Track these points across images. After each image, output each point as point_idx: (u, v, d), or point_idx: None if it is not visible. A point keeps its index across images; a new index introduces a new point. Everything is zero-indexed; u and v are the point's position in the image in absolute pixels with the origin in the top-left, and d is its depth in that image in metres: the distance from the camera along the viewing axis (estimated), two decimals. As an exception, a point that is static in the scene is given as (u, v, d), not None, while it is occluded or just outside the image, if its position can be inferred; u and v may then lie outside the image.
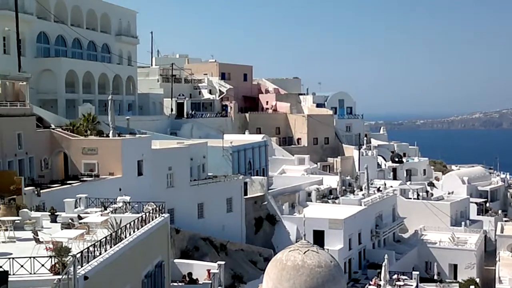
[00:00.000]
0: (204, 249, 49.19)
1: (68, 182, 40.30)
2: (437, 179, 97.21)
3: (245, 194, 58.68)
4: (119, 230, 22.78)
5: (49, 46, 72.80)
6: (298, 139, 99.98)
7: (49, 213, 27.89)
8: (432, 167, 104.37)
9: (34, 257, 17.67)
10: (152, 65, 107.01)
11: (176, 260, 36.18)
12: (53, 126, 48.77)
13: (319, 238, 56.61)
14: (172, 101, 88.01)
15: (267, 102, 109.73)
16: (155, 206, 28.02)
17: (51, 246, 19.97)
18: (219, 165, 59.78)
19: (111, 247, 21.36)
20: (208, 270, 34.35)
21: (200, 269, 34.89)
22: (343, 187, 72.59)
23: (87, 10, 79.18)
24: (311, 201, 67.10)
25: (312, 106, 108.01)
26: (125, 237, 23.00)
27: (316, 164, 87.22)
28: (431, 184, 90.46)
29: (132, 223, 24.06)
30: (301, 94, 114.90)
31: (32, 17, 68.36)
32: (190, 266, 35.49)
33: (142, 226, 25.08)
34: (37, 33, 70.67)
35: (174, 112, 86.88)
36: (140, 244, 24.07)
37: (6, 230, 24.03)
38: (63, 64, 70.38)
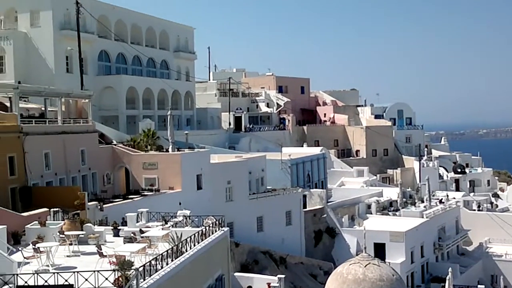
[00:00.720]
0: (264, 262, 49.10)
1: (129, 196, 40.97)
2: (502, 190, 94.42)
3: (304, 207, 58.40)
4: (180, 244, 22.99)
5: (110, 64, 74.64)
6: (357, 151, 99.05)
7: (112, 227, 28.40)
8: (497, 178, 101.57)
9: (98, 271, 17.98)
10: (209, 79, 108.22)
11: (236, 274, 36.28)
12: (114, 142, 49.73)
13: (380, 251, 55.73)
14: (230, 115, 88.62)
15: (324, 114, 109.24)
16: (214, 220, 28.17)
17: (114, 260, 20.32)
18: (277, 178, 59.70)
19: (172, 260, 21.56)
20: (268, 284, 34.31)
21: (260, 282, 34.87)
22: (404, 199, 71.36)
23: (146, 28, 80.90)
24: (371, 213, 66.20)
25: (370, 117, 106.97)
26: (186, 250, 23.20)
27: (376, 176, 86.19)
28: (496, 195, 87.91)
29: (192, 237, 24.24)
30: (359, 106, 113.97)
31: (93, 36, 70.25)
32: (250, 279, 35.52)
33: (202, 240, 25.25)
34: (99, 52, 72.57)
35: (232, 126, 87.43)
36: (201, 257, 24.22)
37: (71, 244, 24.59)
38: (124, 81, 71.94)
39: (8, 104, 39.35)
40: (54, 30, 65.78)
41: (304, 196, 59.08)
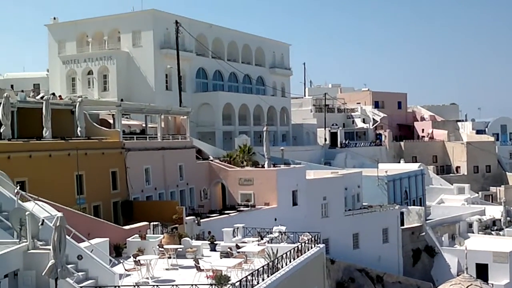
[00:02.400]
0: (360, 280, 48.24)
1: (226, 212, 41.43)
2: None
3: (402, 224, 57.01)
4: (276, 260, 22.94)
5: (207, 81, 76.29)
6: (457, 168, 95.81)
7: (209, 242, 28.76)
8: None
9: (196, 285, 18.20)
10: (305, 95, 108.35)
11: (332, 291, 35.76)
12: (211, 158, 50.58)
13: (482, 272, 53.38)
14: (326, 130, 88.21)
15: (422, 129, 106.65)
16: (310, 236, 27.95)
17: (211, 274, 20.54)
18: (374, 195, 58.68)
19: (268, 276, 21.53)
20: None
21: (357, 301, 34.19)
22: (508, 218, 68.18)
23: (242, 45, 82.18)
24: (473, 232, 63.66)
25: (471, 133, 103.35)
26: (282, 267, 23.10)
27: (477, 193, 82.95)
28: None
29: (288, 253, 24.13)
30: (459, 121, 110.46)
31: (191, 54, 72.11)
32: (346, 297, 34.89)
33: (298, 256, 25.08)
34: (196, 69, 74.38)
35: (327, 141, 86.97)
36: (297, 274, 24.05)
37: (170, 257, 25.09)
38: (220, 98, 73.23)
39: (111, 121, 40.90)
40: (155, 49, 68.09)
41: (402, 213, 57.70)
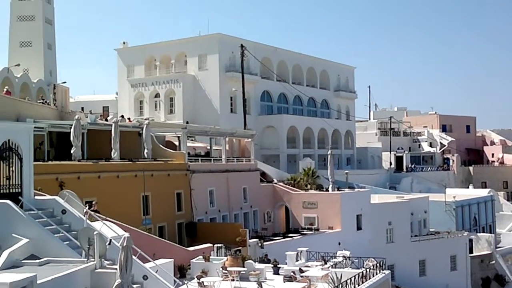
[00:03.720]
0: (427, 308, 46.94)
1: (289, 235, 41.20)
2: None
3: (471, 252, 55.32)
4: (340, 285, 22.60)
5: (272, 104, 76.63)
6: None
7: (272, 265, 28.62)
8: None
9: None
10: (370, 118, 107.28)
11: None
12: (275, 181, 50.52)
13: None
14: (391, 154, 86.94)
15: (492, 154, 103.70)
16: (375, 262, 27.45)
17: (274, 298, 20.38)
18: (441, 221, 57.25)
19: (332, 302, 21.21)
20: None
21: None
22: None
23: (307, 68, 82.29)
24: (546, 262, 61.15)
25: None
26: (346, 292, 22.75)
27: (551, 221, 79.68)
28: None
29: (352, 279, 23.75)
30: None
31: (256, 77, 72.66)
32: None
33: (362, 282, 24.65)
34: (261, 92, 74.85)
35: (393, 165, 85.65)
36: (361, 300, 23.62)
37: (233, 280, 25.08)
38: (285, 121, 73.36)
39: (177, 143, 41.51)
40: (220, 72, 68.99)
41: (470, 241, 56.04)
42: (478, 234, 59.28)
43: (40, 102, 42.11)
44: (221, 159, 43.08)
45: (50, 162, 28.99)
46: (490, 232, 63.39)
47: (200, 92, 69.69)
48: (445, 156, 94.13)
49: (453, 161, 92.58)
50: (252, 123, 66.17)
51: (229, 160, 43.51)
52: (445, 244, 51.87)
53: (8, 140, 18.91)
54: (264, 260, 29.12)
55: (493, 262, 56.48)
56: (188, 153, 39.78)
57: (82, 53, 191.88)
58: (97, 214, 21.15)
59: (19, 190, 19.22)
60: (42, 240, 18.04)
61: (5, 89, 39.35)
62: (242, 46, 63.52)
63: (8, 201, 18.17)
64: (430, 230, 53.97)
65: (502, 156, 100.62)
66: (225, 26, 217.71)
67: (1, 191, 18.62)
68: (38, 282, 14.69)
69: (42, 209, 19.22)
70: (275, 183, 48.76)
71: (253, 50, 68.19)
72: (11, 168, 19.04)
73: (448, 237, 52.60)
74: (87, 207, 19.90)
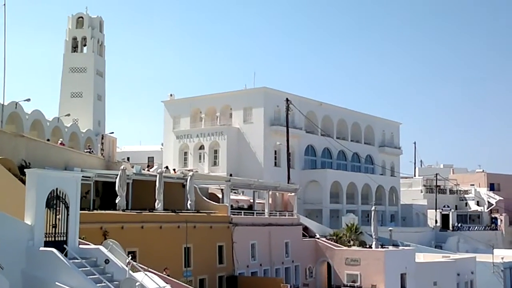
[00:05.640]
0: None
1: (331, 292, 40.48)
2: None
3: (520, 316, 53.29)
4: None
5: (315, 158, 76.53)
6: None
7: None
8: None
9: None
10: (415, 175, 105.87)
11: None
12: (317, 236, 50.00)
13: None
14: (437, 212, 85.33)
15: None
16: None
17: None
18: (489, 282, 55.44)
19: None
20: None
21: None
22: None
23: (352, 123, 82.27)
24: None
25: None
26: None
27: None
28: None
29: None
30: None
31: (301, 131, 72.90)
32: None
33: None
34: (305, 146, 74.96)
35: (438, 224, 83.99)
36: None
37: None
38: (329, 176, 73.05)
39: (220, 195, 41.60)
40: (265, 126, 69.50)
41: (520, 304, 54.03)
42: (528, 297, 57.17)
43: (87, 151, 43.00)
44: (263, 213, 42.93)
45: (95, 211, 29.33)
46: (541, 296, 61.05)
47: (244, 145, 70.14)
48: (492, 216, 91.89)
49: (501, 220, 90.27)
50: (295, 177, 66.03)
51: (271, 214, 43.32)
52: (493, 307, 50.17)
53: (56, 189, 19.25)
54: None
55: (544, 328, 54.20)
56: (231, 206, 39.77)
57: (130, 105, 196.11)
58: (139, 265, 21.16)
59: (65, 238, 19.43)
60: (84, 289, 18.10)
61: (59, 141, 40.44)
62: (287, 100, 63.97)
63: (53, 249, 18.36)
64: (478, 292, 52.33)
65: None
66: (271, 80, 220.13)
67: (47, 239, 18.86)
68: (79, 332, 14.67)
69: (85, 258, 19.35)
70: (318, 238, 48.24)
71: (298, 104, 68.61)
72: (57, 216, 19.32)
73: (496, 300, 50.87)
74: (130, 257, 19.95)
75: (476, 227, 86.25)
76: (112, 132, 53.49)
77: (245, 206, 46.59)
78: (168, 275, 26.94)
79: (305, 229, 49.90)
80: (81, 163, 35.72)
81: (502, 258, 58.98)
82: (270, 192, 44.73)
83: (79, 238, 20.51)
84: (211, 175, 55.92)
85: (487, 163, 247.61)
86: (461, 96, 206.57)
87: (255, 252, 39.32)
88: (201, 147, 72.48)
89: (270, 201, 44.53)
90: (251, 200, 46.81)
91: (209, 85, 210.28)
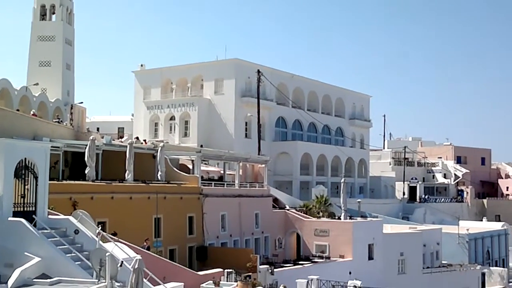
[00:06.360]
0: None
1: (300, 262, 40.97)
2: None
3: (483, 285, 54.69)
4: (350, 315, 22.40)
5: (286, 130, 76.76)
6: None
7: (282, 293, 28.40)
8: None
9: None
10: (384, 148, 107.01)
11: None
12: (287, 207, 50.40)
13: None
14: (404, 184, 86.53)
15: (507, 187, 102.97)
16: (386, 293, 27.20)
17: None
18: (454, 253, 56.74)
19: (341, 332, 21.01)
20: None
21: None
22: None
23: (322, 96, 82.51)
24: (560, 298, 60.27)
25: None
26: (356, 323, 22.52)
27: None
28: None
29: (363, 309, 23.54)
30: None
31: (272, 103, 72.92)
32: None
33: (373, 313, 24.41)
34: (276, 118, 75.04)
35: (406, 196, 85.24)
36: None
37: (242, 306, 24.92)
38: (299, 147, 73.39)
39: (190, 167, 41.59)
40: (236, 97, 69.33)
41: (483, 274, 55.39)
42: (491, 268, 58.64)
43: (56, 121, 42.48)
44: (234, 184, 43.09)
45: (64, 182, 29.14)
46: (503, 266, 62.67)
47: (215, 116, 69.98)
48: (459, 188, 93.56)
49: (467, 193, 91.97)
50: (266, 148, 66.21)
51: (242, 185, 43.51)
52: (457, 277, 51.36)
53: (25, 159, 19.06)
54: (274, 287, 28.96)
55: (506, 297, 55.76)
56: (202, 177, 39.83)
57: (100, 74, 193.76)
58: (109, 235, 21.15)
59: (33, 208, 19.30)
60: (54, 260, 18.07)
61: (31, 112, 39.87)
62: (258, 71, 63.80)
63: (22, 220, 18.26)
64: (443, 262, 53.50)
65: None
66: (242, 52, 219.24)
67: (16, 209, 18.72)
68: (49, 301, 14.69)
69: (55, 228, 19.28)
70: (287, 210, 48.65)
71: (270, 76, 68.52)
72: (26, 187, 19.17)
73: (461, 270, 52.09)
74: (100, 227, 19.92)
75: (443, 199, 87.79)
76: (82, 102, 52.87)
77: (216, 177, 46.69)
78: (149, 247, 27.08)
79: (275, 200, 50.25)
80: (50, 133, 35.35)
81: (467, 230, 60.31)
82: (241, 164, 44.86)
83: (48, 208, 20.41)
84: (181, 146, 55.84)
85: (454, 136, 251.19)
86: (430, 71, 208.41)
87: (225, 223, 39.56)
88: (172, 118, 72.13)
89: (241, 173, 44.69)
90: (222, 171, 46.92)
91: (181, 56, 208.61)
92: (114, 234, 27.20)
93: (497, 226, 71.95)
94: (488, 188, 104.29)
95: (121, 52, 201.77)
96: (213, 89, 70.98)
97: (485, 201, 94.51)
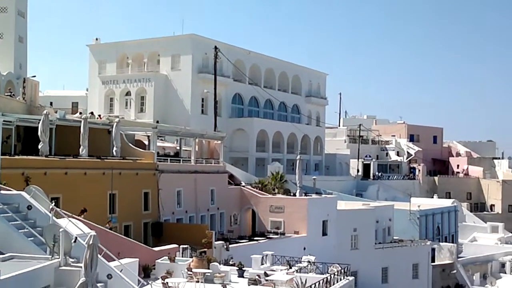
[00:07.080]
0: (388, 316, 47.45)
1: (255, 238, 41.29)
2: None
3: (433, 260, 56.09)
4: (304, 290, 22.79)
5: (243, 107, 76.79)
6: (492, 206, 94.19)
7: (237, 268, 28.70)
8: None
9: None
10: (339, 125, 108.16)
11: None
12: (243, 184, 50.61)
13: (514, 314, 52.18)
14: (359, 162, 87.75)
15: (458, 165, 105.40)
16: (340, 268, 27.74)
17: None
18: (405, 229, 57.96)
19: (295, 306, 21.38)
20: None
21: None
22: (543, 260, 66.54)
23: (279, 73, 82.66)
24: (505, 272, 62.35)
25: (508, 171, 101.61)
26: (309, 297, 22.93)
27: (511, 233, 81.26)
28: None
29: (317, 284, 23.97)
30: (496, 158, 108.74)
31: (229, 80, 72.78)
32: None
33: (326, 288, 24.89)
34: (233, 95, 74.97)
35: (360, 173, 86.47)
36: (324, 306, 23.83)
37: (198, 281, 25.09)
38: (255, 124, 73.55)
39: (146, 142, 41.34)
40: (193, 73, 68.94)
41: (433, 250, 56.82)
42: (441, 243, 60.15)
43: (8, 95, 41.58)
44: (190, 160, 43.02)
45: (16, 157, 28.62)
46: (453, 242, 64.40)
47: (171, 92, 69.51)
48: (411, 166, 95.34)
49: (419, 170, 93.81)
50: (222, 125, 66.19)
51: (198, 161, 43.48)
52: (408, 252, 52.49)
53: (-25, 133, 18.69)
54: (239, 265, 29.15)
55: (455, 271, 57.32)
56: (157, 153, 39.62)
57: (53, 48, 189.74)
58: (63, 211, 20.96)
59: (-15, 184, 19.01)
60: (6, 235, 17.87)
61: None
62: (215, 47, 63.57)
63: (-28, 195, 17.97)
64: (394, 238, 54.56)
65: (467, 168, 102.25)
66: (199, 27, 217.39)
67: (-34, 184, 18.41)
68: (1, 277, 14.55)
69: (7, 204, 19.02)
70: (243, 186, 48.86)
71: (227, 52, 68.26)
72: (-23, 162, 18.83)
73: (411, 245, 53.24)
74: (54, 203, 19.72)
75: (396, 177, 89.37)
76: (34, 76, 51.75)
77: (172, 153, 46.54)
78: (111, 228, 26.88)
79: (231, 177, 50.40)
80: (1, 107, 34.57)
81: (419, 206, 61.64)
82: (197, 140, 44.77)
83: (0, 183, 20.10)
84: (137, 122, 55.31)
85: (408, 115, 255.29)
86: (385, 50, 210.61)
87: (180, 199, 39.52)
88: (128, 93, 71.31)
89: (197, 149, 44.63)
90: (178, 148, 46.77)
91: (137, 31, 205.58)
92: (84, 210, 27.04)
93: (447, 203, 73.72)
94: (440, 165, 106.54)
95: (76, 25, 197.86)
96: (169, 64, 70.40)
97: (436, 178, 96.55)
